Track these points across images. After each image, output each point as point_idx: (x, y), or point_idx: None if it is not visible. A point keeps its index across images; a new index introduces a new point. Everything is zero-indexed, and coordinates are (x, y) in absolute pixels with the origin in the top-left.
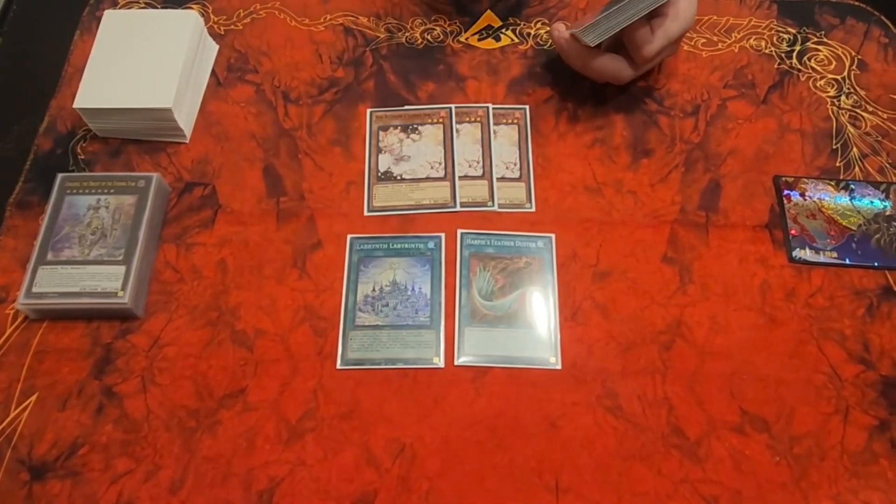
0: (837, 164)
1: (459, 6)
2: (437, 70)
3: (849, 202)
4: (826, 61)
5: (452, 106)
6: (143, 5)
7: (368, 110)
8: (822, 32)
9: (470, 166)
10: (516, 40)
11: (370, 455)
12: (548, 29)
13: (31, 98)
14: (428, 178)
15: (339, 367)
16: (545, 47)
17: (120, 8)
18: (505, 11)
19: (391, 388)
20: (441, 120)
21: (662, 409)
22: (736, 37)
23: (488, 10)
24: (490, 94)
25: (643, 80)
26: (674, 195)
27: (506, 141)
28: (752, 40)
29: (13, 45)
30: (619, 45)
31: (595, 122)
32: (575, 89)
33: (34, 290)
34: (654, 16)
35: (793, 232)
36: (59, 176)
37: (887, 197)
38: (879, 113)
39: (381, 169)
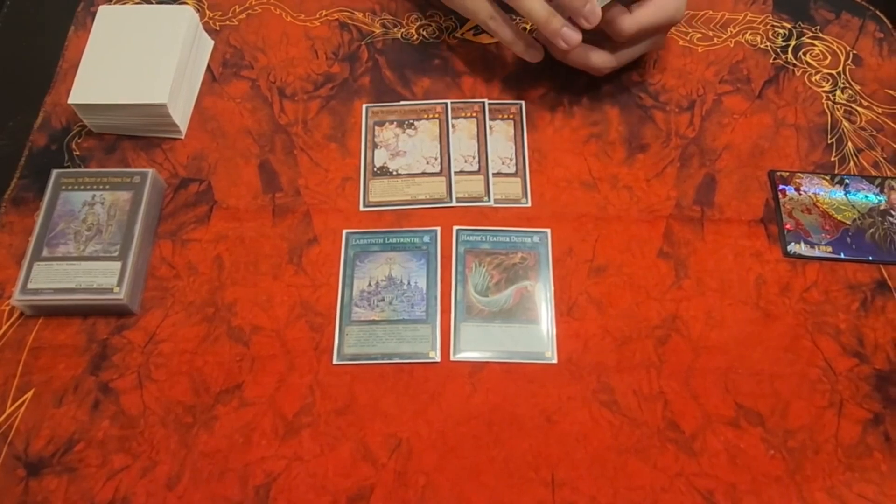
0: (832, 159)
1: None
2: (432, 65)
3: (843, 197)
4: (821, 56)
5: (448, 101)
6: (137, 1)
7: (364, 106)
8: (818, 27)
9: (466, 161)
10: None
11: (366, 450)
12: None
13: (26, 94)
14: (424, 174)
15: (335, 362)
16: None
17: (115, 3)
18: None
19: (387, 383)
20: (437, 115)
21: (658, 403)
22: (731, 32)
23: None
24: (486, 89)
25: (638, 76)
26: (669, 190)
27: (502, 136)
28: (747, 35)
29: (7, 41)
30: (601, 38)
31: (591, 118)
32: (571, 85)
33: (29, 286)
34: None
35: (788, 226)
36: (54, 172)
37: (882, 191)
38: (874, 108)
39: (377, 164)
